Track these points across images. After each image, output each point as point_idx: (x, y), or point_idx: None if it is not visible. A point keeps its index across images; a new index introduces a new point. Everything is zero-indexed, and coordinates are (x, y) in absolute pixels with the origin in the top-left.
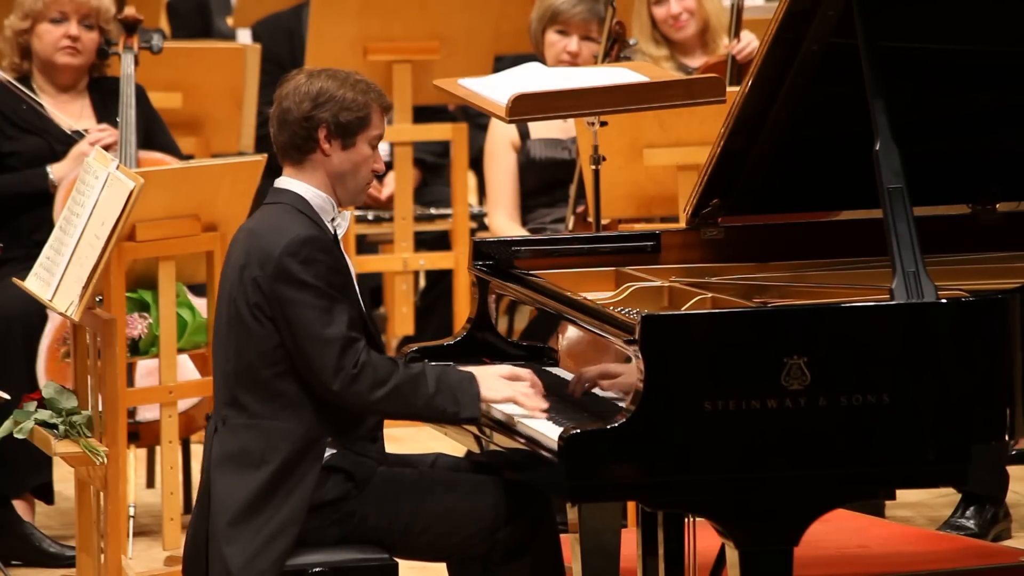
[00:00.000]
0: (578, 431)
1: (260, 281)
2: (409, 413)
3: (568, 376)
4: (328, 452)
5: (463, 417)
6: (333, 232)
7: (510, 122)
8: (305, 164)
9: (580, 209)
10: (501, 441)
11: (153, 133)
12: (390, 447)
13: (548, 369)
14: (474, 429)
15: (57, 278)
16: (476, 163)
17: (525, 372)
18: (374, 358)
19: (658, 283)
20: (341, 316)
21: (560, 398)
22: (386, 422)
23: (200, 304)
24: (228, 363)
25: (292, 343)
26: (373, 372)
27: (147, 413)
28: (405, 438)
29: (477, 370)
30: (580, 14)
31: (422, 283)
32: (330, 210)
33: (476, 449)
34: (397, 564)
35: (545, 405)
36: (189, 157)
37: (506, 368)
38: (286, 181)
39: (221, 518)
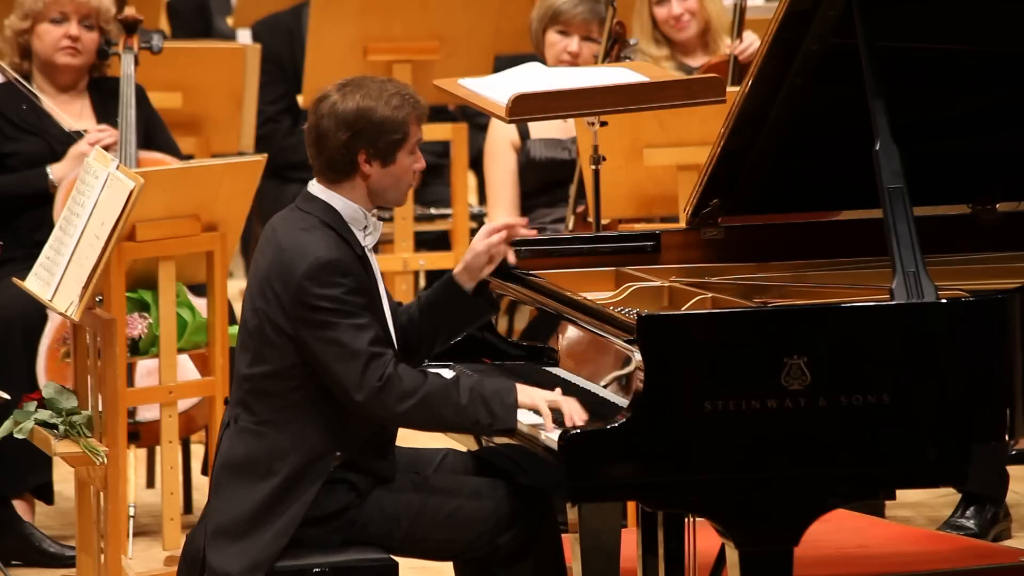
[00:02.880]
0: (578, 431)
1: (282, 300)
2: (439, 424)
3: (568, 376)
4: (334, 465)
5: (497, 428)
6: (362, 244)
7: (510, 122)
8: (344, 182)
9: (580, 209)
10: (501, 441)
11: (153, 133)
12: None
13: (548, 369)
14: None
15: (57, 278)
16: (476, 163)
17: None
18: (401, 371)
19: (658, 283)
20: (362, 333)
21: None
22: None
23: (200, 304)
24: (245, 367)
25: (315, 362)
26: (399, 384)
27: (147, 413)
28: (409, 434)
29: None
30: (581, 14)
31: (422, 283)
32: (362, 219)
33: (475, 448)
34: (397, 564)
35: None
36: (189, 157)
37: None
38: (319, 190)
39: (218, 526)
